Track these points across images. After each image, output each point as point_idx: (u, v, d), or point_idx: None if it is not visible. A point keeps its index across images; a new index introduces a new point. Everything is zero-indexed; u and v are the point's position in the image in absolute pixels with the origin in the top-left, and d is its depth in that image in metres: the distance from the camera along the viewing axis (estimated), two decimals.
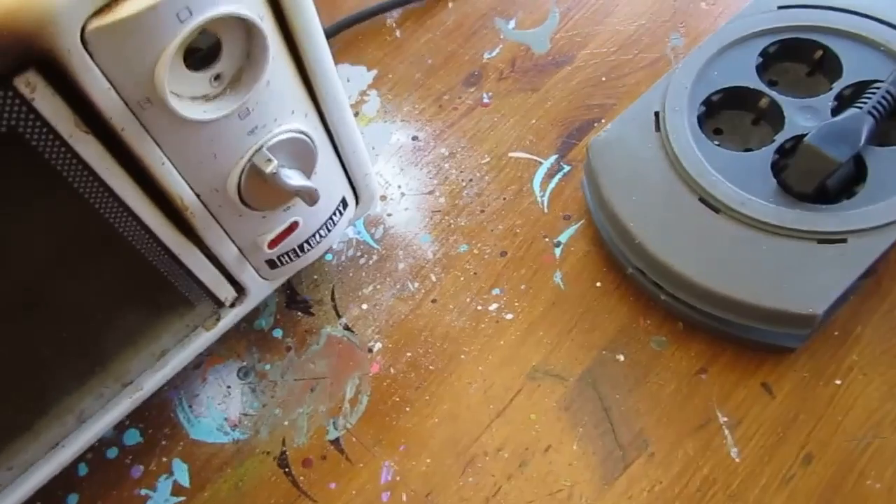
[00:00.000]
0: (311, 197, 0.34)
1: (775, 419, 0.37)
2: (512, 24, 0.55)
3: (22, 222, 0.28)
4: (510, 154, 0.48)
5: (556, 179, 0.46)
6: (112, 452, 0.40)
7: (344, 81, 0.54)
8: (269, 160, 0.32)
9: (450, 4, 0.57)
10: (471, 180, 0.47)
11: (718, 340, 0.39)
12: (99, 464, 0.40)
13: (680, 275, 0.36)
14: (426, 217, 0.46)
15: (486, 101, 0.51)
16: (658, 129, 0.40)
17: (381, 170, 0.49)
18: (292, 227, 0.37)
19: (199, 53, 0.28)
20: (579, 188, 0.45)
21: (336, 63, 0.56)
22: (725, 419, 0.37)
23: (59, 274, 0.31)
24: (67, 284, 0.31)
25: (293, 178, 0.33)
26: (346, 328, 0.42)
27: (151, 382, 0.37)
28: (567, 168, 0.47)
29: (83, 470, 0.40)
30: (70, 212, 0.29)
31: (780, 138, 0.38)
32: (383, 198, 0.48)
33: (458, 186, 0.47)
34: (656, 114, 0.40)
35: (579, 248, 0.43)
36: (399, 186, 0.48)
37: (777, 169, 0.38)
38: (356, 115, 0.52)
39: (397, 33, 0.56)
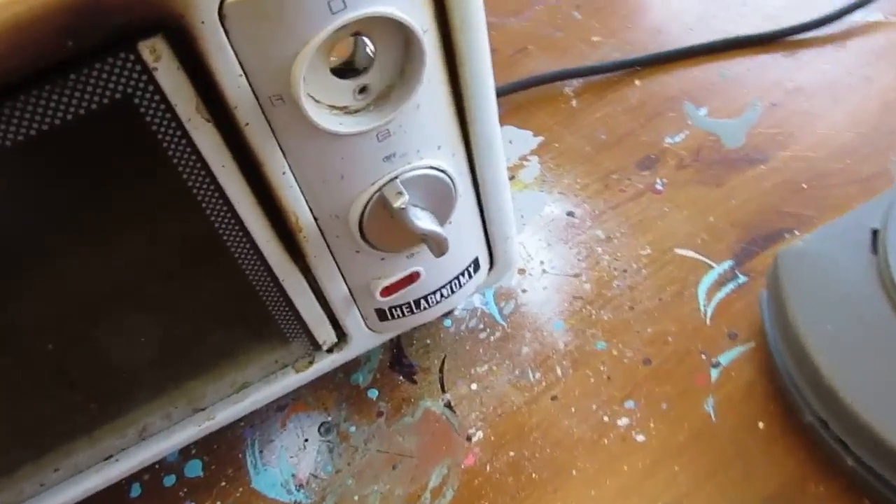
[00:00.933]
0: (438, 246, 0.29)
1: None
2: (703, 111, 0.49)
3: (117, 207, 0.25)
4: (676, 250, 0.41)
5: (727, 289, 0.39)
6: (170, 480, 0.36)
7: (505, 142, 0.50)
8: (401, 193, 0.28)
9: (637, 82, 0.52)
10: (625, 271, 0.41)
11: None
12: (154, 489, 0.36)
13: (880, 438, 0.28)
14: (565, 302, 0.40)
15: (659, 187, 0.45)
16: (875, 250, 0.32)
17: (525, 240, 0.44)
18: (412, 277, 0.32)
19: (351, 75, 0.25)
20: (755, 304, 0.38)
21: (501, 124, 0.53)
22: None
23: (149, 273, 0.28)
24: (156, 287, 0.28)
25: (423, 220, 0.28)
26: (448, 406, 0.37)
27: (224, 414, 0.34)
28: (743, 279, 0.39)
29: (136, 491, 0.36)
30: (173, 206, 0.26)
31: None
32: (521, 271, 0.42)
33: (608, 275, 0.41)
34: (874, 232, 0.32)
35: (743, 375, 0.35)
36: (542, 262, 0.43)
37: None
38: (511, 178, 0.48)
39: (573, 103, 0.52)
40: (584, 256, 0.42)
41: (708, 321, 0.38)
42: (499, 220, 0.35)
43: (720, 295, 0.39)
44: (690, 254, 0.41)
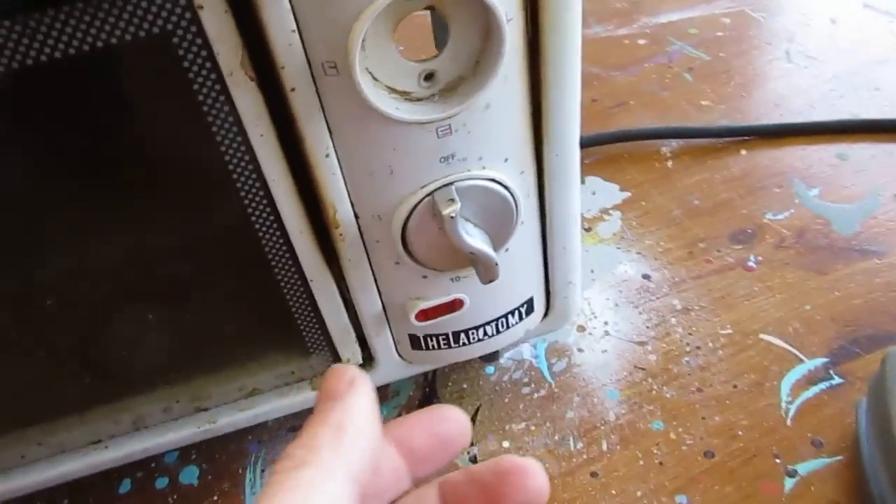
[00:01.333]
0: (487, 270, 0.26)
1: None
2: (814, 192, 0.44)
3: (143, 160, 0.23)
4: (762, 335, 0.36)
5: (816, 389, 0.33)
6: (162, 482, 0.33)
7: (588, 193, 0.47)
8: (453, 201, 0.24)
9: (742, 152, 0.48)
10: (698, 348, 0.36)
11: None
12: (143, 489, 0.33)
13: None
14: (625, 370, 0.36)
15: (751, 264, 0.40)
16: None
17: (591, 296, 0.40)
18: (454, 304, 0.29)
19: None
20: (849, 412, 0.32)
21: (587, 174, 0.49)
22: None
23: (168, 247, 0.25)
24: (175, 264, 0.26)
25: (473, 237, 0.25)
26: (472, 461, 0.33)
27: (227, 420, 0.31)
28: (838, 380, 0.34)
29: (126, 486, 0.33)
30: (201, 171, 0.23)
31: None
32: (581, 328, 0.38)
33: (679, 349, 0.36)
34: None
35: (825, 492, 0.30)
36: (605, 323, 0.38)
37: None
38: (587, 230, 0.44)
39: (669, 163, 0.48)
40: (655, 325, 0.38)
41: (788, 421, 0.32)
42: (563, 261, 0.31)
43: (807, 394, 0.33)
44: (778, 342, 0.36)
